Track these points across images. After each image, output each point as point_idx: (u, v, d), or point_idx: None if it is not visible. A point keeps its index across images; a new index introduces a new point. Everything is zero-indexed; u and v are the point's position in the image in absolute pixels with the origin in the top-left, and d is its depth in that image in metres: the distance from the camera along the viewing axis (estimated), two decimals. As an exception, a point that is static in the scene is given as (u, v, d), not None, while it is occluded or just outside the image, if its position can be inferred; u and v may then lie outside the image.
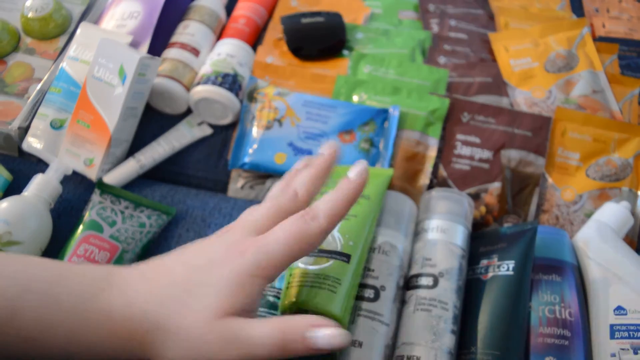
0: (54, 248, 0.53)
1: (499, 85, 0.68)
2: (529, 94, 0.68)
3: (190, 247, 0.40)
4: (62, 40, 0.69)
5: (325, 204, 0.38)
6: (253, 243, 0.37)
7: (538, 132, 0.63)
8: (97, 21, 0.71)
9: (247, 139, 0.61)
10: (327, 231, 0.38)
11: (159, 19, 0.67)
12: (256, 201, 0.59)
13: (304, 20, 0.70)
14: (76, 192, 0.59)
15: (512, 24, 0.76)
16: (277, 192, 0.42)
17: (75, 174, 0.59)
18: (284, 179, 0.44)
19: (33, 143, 0.59)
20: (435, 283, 0.48)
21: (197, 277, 0.37)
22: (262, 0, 0.76)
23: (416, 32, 0.73)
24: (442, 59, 0.70)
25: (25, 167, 0.61)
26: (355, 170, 0.40)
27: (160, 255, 0.40)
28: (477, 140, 0.62)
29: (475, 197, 0.59)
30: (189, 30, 0.69)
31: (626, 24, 0.84)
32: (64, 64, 0.62)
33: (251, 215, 0.40)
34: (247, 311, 0.36)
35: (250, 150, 0.60)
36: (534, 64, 0.70)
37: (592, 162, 0.63)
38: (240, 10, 0.74)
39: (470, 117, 0.63)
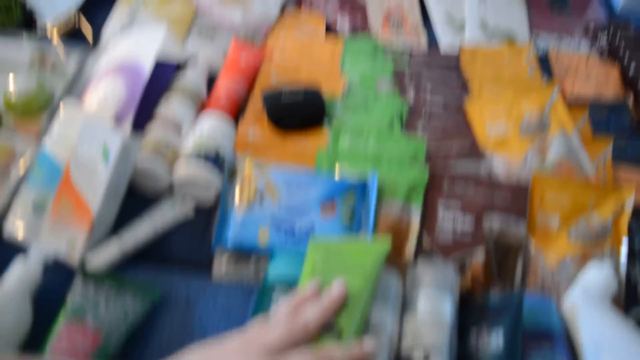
0: (35, 339, 0.52)
1: (476, 152, 0.70)
2: (505, 159, 0.69)
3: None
4: (44, 120, 0.69)
5: (314, 312, 0.46)
6: (250, 343, 0.44)
7: (517, 197, 0.64)
8: (79, 98, 0.72)
9: (229, 217, 0.61)
10: (313, 334, 0.46)
11: (141, 95, 0.68)
12: (240, 283, 0.59)
13: (285, 96, 0.72)
14: (57, 277, 0.58)
15: (486, 90, 0.79)
16: (287, 317, 0.46)
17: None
18: (292, 303, 0.48)
19: (13, 227, 0.59)
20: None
21: None
22: (242, 74, 0.77)
23: (393, 101, 0.75)
24: (419, 128, 0.72)
25: (5, 249, 0.59)
26: (337, 287, 0.49)
27: None
28: (458, 208, 0.63)
29: (461, 265, 0.60)
30: (172, 106, 0.70)
31: (594, 84, 0.88)
32: (46, 145, 0.63)
33: (266, 337, 0.45)
34: None
35: (233, 229, 0.60)
36: (508, 129, 0.72)
37: (572, 225, 0.64)
38: (220, 86, 0.75)
39: (450, 185, 0.64)
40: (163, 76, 0.74)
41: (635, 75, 0.88)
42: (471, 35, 0.92)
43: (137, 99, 0.68)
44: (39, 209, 0.60)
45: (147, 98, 0.69)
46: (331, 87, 0.77)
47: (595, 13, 1.07)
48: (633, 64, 0.89)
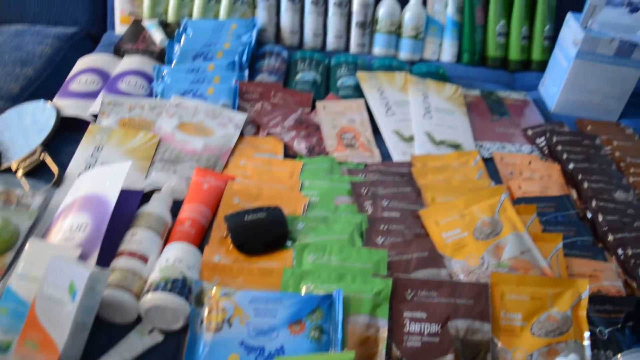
0: None
1: (435, 259, 0.73)
2: (464, 263, 0.72)
3: None
4: (9, 257, 0.70)
5: None
6: None
7: (478, 299, 0.66)
8: (45, 234, 0.73)
9: (198, 343, 0.61)
10: None
11: (106, 229, 0.70)
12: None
13: (247, 217, 0.74)
14: None
15: (438, 199, 0.83)
16: None
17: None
18: None
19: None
20: None
21: None
22: (206, 201, 0.80)
23: (352, 216, 0.78)
24: (379, 239, 0.75)
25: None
26: None
27: None
28: (423, 315, 0.65)
29: (432, 372, 0.60)
30: (137, 238, 0.72)
31: (539, 182, 0.94)
32: (11, 283, 0.63)
33: None
34: None
35: (203, 355, 0.60)
36: (463, 234, 0.75)
37: (534, 320, 0.66)
38: (185, 212, 0.78)
39: (413, 293, 0.67)
40: (128, 206, 0.76)
41: (575, 171, 0.94)
42: (420, 148, 0.98)
43: (102, 233, 0.69)
44: (4, 348, 0.59)
45: (113, 229, 0.71)
46: (292, 206, 0.80)
47: (532, 116, 1.16)
48: (571, 161, 0.96)
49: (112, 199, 0.73)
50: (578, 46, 1.12)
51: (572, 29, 1.16)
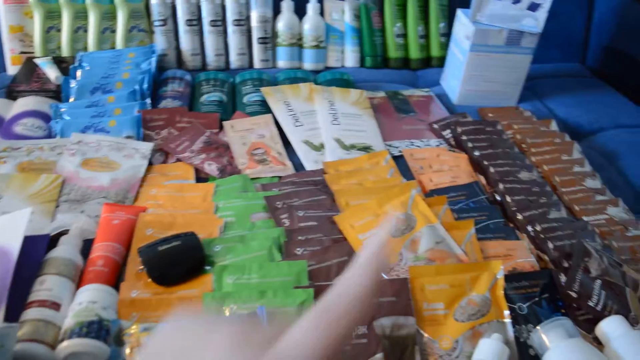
0: None
1: (352, 258, 0.73)
2: (383, 261, 0.73)
3: None
4: None
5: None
6: None
7: (400, 294, 0.67)
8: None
9: (123, 384, 0.59)
10: None
11: (12, 281, 0.66)
12: None
13: (161, 247, 0.72)
14: None
15: (352, 202, 0.84)
16: None
17: None
18: None
19: None
20: None
21: None
22: (117, 237, 0.77)
23: (270, 231, 0.78)
24: (298, 250, 0.75)
25: None
26: None
27: None
28: (347, 319, 0.65)
29: (362, 374, 0.61)
30: (46, 285, 0.68)
31: (448, 173, 0.97)
32: None
33: None
34: None
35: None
36: (379, 233, 0.77)
37: (455, 306, 0.68)
38: (96, 251, 0.75)
39: (336, 298, 0.67)
40: (34, 253, 0.73)
41: (480, 158, 0.98)
42: (331, 155, 0.99)
43: (7, 286, 0.65)
44: None
45: (20, 280, 0.67)
46: (208, 229, 0.79)
47: (437, 111, 1.20)
48: (476, 149, 1.00)
49: (15, 249, 0.69)
50: (471, 40, 1.17)
51: (463, 24, 1.21)
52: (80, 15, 1.24)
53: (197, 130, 1.00)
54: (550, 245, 0.79)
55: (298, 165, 0.98)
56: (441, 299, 0.68)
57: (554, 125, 1.14)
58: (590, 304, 0.69)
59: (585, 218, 0.88)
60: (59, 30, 1.25)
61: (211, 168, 0.93)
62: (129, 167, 0.91)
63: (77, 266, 0.73)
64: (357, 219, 0.79)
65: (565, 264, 0.75)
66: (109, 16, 1.26)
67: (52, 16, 1.24)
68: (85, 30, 1.26)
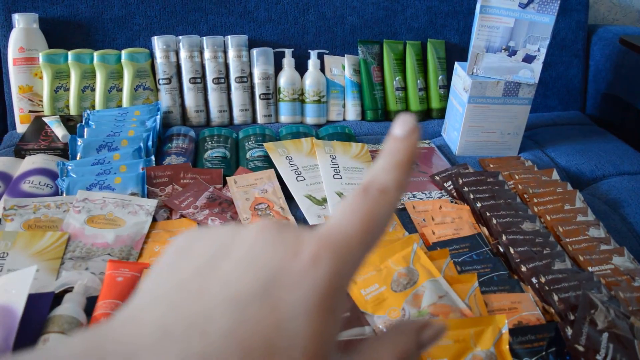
0: None
1: (358, 317, 0.73)
2: (386, 317, 0.73)
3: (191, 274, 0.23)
4: None
5: (385, 173, 0.26)
6: (319, 240, 0.23)
7: (404, 351, 0.67)
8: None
9: None
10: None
11: (15, 338, 0.66)
12: None
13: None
14: None
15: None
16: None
17: None
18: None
19: None
20: None
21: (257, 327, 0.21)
22: (121, 294, 0.77)
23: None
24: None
25: None
26: (401, 126, 0.27)
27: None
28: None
29: None
30: (49, 344, 0.68)
31: (451, 225, 0.97)
32: None
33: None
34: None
35: None
36: (381, 288, 0.76)
37: (461, 363, 0.67)
38: (100, 309, 0.75)
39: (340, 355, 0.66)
40: (38, 311, 0.73)
41: (482, 210, 0.98)
42: (333, 209, 1.00)
43: (10, 344, 0.65)
44: None
45: (24, 338, 0.67)
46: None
47: (438, 162, 1.21)
48: (477, 200, 1.01)
49: (19, 307, 0.69)
50: (468, 92, 1.20)
51: (461, 77, 1.24)
52: (88, 75, 1.28)
53: (200, 186, 1.01)
54: (556, 297, 0.78)
55: (301, 219, 0.98)
56: (445, 354, 0.67)
57: (555, 175, 1.15)
58: (599, 358, 0.68)
59: (590, 268, 0.87)
60: (67, 90, 1.29)
61: (214, 224, 0.93)
62: (134, 223, 0.92)
63: (81, 324, 0.73)
64: (360, 274, 0.79)
65: (572, 317, 0.75)
66: (115, 75, 1.30)
67: (60, 76, 1.27)
68: (93, 89, 1.29)
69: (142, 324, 0.21)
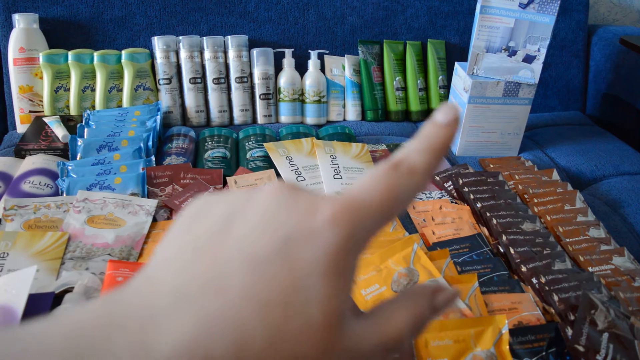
0: None
1: (357, 317, 0.73)
2: (386, 317, 0.73)
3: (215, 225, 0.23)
4: None
5: (418, 155, 0.26)
6: (339, 202, 0.23)
7: (404, 351, 0.67)
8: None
9: None
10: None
11: None
12: None
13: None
14: None
15: (355, 256, 0.84)
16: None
17: None
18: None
19: None
20: None
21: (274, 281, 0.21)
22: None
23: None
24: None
25: None
26: (444, 113, 0.27)
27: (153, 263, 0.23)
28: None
29: None
30: None
31: (451, 225, 0.97)
32: None
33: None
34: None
35: None
36: (382, 289, 0.76)
37: (461, 363, 0.67)
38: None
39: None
40: (38, 311, 0.73)
41: (483, 210, 0.98)
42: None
43: None
44: None
45: None
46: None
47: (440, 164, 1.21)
48: (478, 200, 1.01)
49: (19, 307, 0.69)
50: (468, 92, 1.20)
51: (461, 77, 1.24)
52: (88, 75, 1.28)
53: (200, 187, 1.01)
54: (556, 297, 0.78)
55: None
56: (446, 355, 0.67)
57: (555, 175, 1.15)
58: (599, 358, 0.68)
59: (590, 269, 0.87)
60: (67, 90, 1.29)
61: (214, 224, 0.93)
62: (134, 223, 0.92)
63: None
64: (360, 274, 0.79)
65: (572, 317, 0.75)
66: (115, 75, 1.30)
67: (60, 76, 1.27)
68: (93, 89, 1.29)
69: (157, 287, 0.21)
